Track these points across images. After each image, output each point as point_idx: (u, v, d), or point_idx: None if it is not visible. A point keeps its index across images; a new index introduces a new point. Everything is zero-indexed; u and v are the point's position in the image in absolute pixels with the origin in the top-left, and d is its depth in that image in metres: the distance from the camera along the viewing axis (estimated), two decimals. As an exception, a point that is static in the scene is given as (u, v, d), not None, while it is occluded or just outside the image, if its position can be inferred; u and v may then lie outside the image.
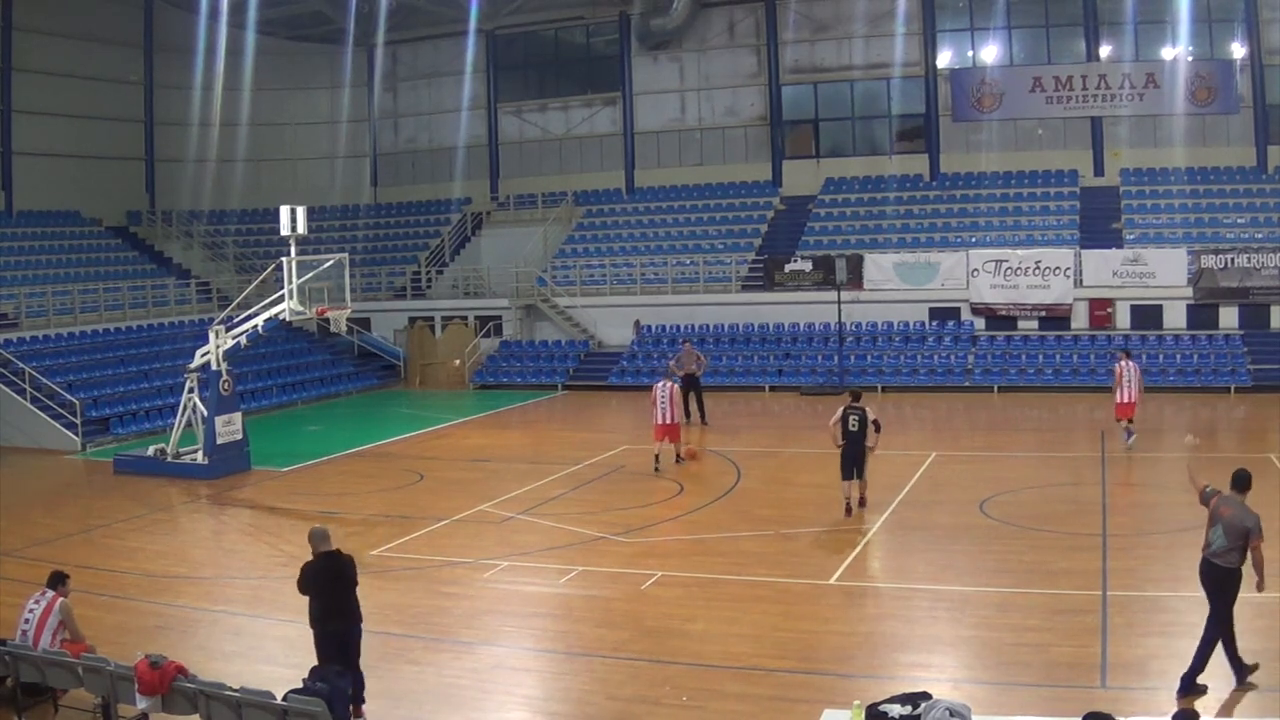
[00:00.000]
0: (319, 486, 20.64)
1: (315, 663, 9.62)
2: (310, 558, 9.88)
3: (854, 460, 16.61)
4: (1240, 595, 9.82)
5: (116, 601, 13.60)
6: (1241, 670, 9.87)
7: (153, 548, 16.54)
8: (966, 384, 29.82)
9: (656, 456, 20.77)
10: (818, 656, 11.25)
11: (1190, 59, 34.32)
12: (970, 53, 37.04)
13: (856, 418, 16.58)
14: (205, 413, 21.84)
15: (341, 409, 31.13)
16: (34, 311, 29.93)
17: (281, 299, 21.28)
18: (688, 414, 23.88)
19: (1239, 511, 9.74)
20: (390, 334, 36.82)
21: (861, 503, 16.94)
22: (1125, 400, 21.02)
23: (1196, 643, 9.78)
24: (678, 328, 33.82)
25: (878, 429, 16.86)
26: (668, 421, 20.62)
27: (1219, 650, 9.73)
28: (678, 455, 21.23)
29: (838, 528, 16.25)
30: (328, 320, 22.77)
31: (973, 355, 30.71)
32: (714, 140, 39.60)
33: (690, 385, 25.24)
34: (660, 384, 21.07)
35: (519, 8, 40.12)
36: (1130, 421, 21.18)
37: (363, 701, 9.83)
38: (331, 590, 9.70)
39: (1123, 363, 21.35)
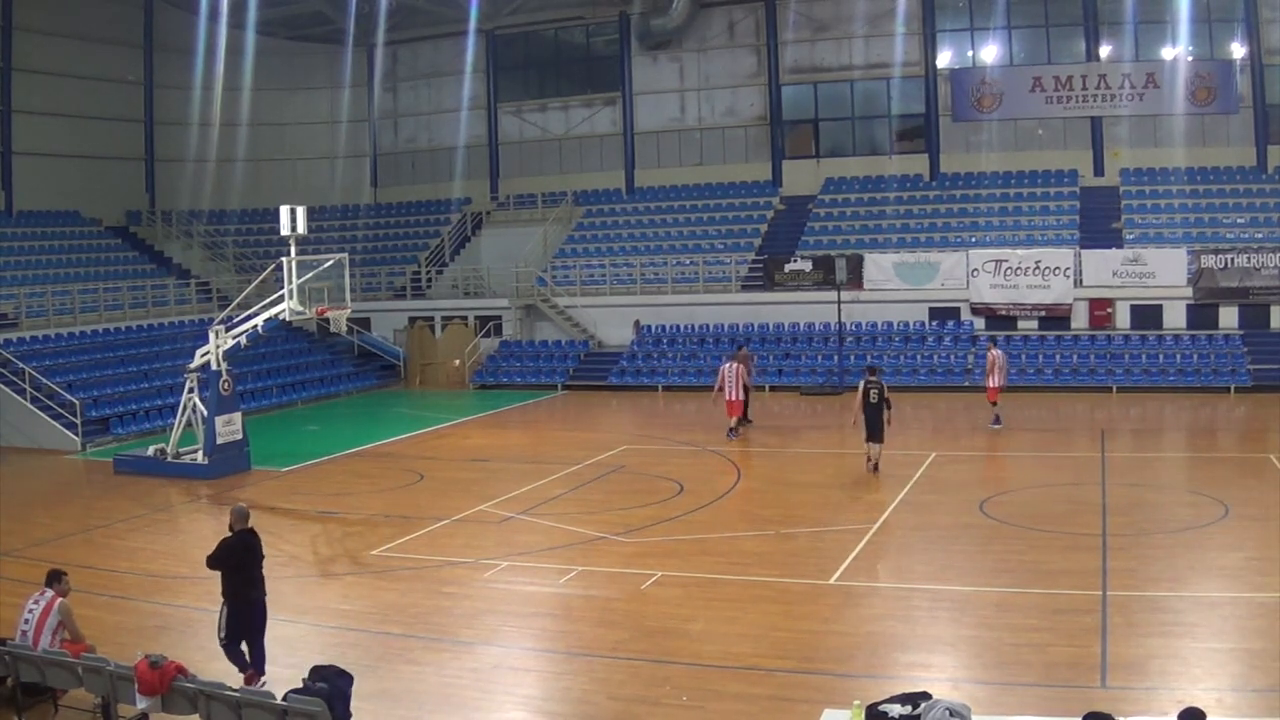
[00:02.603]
0: (319, 486, 20.62)
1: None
2: (229, 534, 10.75)
3: (874, 426, 19.18)
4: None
5: (116, 601, 13.59)
6: None
7: (153, 548, 16.53)
8: (966, 384, 29.79)
9: (732, 428, 23.78)
10: (817, 656, 11.25)
11: (1190, 59, 34.30)
12: (970, 53, 37.04)
13: (876, 390, 19.19)
14: (205, 413, 21.83)
15: (341, 409, 31.12)
16: (34, 311, 29.91)
17: (281, 299, 21.27)
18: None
19: None
20: (390, 334, 36.82)
21: (875, 468, 19.28)
22: (994, 385, 23.50)
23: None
24: (678, 328, 33.88)
25: (889, 406, 19.27)
26: (735, 398, 23.65)
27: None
28: (730, 429, 23.79)
29: (838, 528, 16.26)
30: (328, 320, 22.77)
31: (973, 355, 30.67)
32: (714, 140, 39.60)
33: None
34: (726, 365, 24.00)
35: (519, 8, 40.13)
36: (995, 405, 23.59)
37: (262, 672, 10.51)
38: (249, 563, 10.61)
39: (993, 351, 23.97)
